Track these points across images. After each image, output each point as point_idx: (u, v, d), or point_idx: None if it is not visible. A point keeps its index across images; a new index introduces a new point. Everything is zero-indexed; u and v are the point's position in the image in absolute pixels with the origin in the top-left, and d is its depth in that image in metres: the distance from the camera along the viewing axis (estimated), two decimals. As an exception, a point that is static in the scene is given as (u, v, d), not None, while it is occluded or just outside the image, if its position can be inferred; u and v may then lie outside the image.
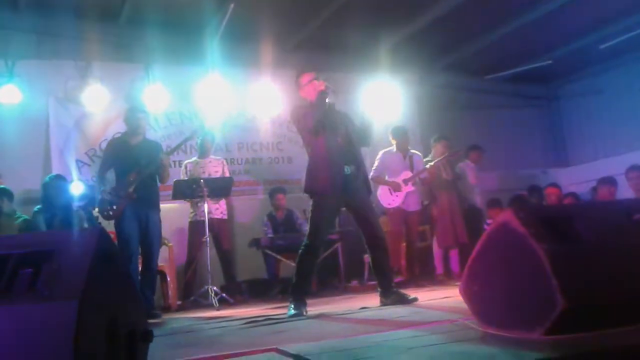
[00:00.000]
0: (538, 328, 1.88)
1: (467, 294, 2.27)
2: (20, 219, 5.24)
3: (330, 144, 3.96)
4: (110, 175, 5.00)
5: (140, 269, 4.90)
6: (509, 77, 9.04)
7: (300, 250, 3.91)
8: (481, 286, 2.21)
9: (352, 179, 3.95)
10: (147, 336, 1.95)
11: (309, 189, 4.02)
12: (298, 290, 3.85)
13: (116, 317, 1.80)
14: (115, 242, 4.65)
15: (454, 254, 6.46)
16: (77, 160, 6.57)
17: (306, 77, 4.12)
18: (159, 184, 5.06)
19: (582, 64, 8.80)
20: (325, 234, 4.20)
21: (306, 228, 6.47)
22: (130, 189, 4.73)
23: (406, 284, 6.06)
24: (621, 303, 1.94)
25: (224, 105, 6.93)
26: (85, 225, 5.24)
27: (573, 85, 9.56)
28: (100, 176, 4.98)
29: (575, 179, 8.64)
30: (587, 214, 2.24)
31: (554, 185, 7.36)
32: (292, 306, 3.74)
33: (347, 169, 3.93)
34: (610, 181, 6.39)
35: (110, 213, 4.75)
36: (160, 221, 4.95)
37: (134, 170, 4.77)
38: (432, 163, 6.29)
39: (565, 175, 9.13)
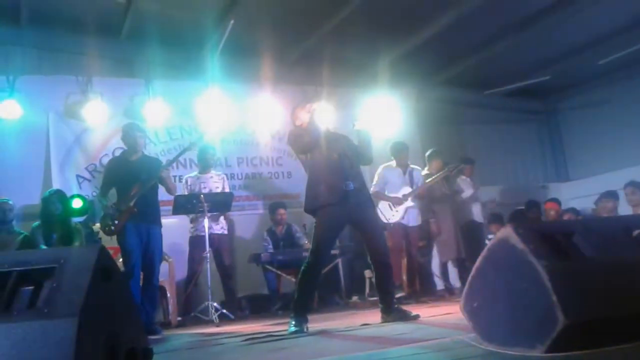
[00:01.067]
0: (539, 345, 1.87)
1: (467, 310, 2.26)
2: (21, 236, 5.24)
3: (329, 161, 3.97)
4: (112, 193, 5.01)
5: (141, 284, 4.89)
6: (508, 92, 9.08)
7: (302, 267, 3.90)
8: (482, 303, 2.20)
9: (355, 193, 3.94)
10: (147, 354, 1.94)
11: (310, 206, 4.00)
12: (299, 307, 3.83)
13: (116, 334, 1.80)
14: (116, 258, 4.64)
15: (452, 270, 6.44)
16: (78, 176, 6.58)
17: (298, 110, 4.23)
18: (159, 199, 5.07)
19: (580, 79, 8.84)
20: (328, 252, 4.16)
21: (305, 242, 6.51)
22: (131, 203, 4.74)
23: (407, 299, 6.04)
24: (622, 319, 1.94)
25: (224, 120, 6.96)
26: (84, 240, 5.24)
27: (571, 100, 9.60)
28: (103, 194, 4.99)
29: (576, 194, 8.63)
30: (587, 230, 2.24)
31: (553, 200, 7.36)
32: (293, 322, 3.72)
33: (350, 184, 3.92)
34: (612, 195, 6.39)
35: (112, 228, 4.75)
36: (161, 236, 4.95)
37: (134, 185, 4.78)
38: (431, 178, 6.30)
39: (565, 190, 9.14)
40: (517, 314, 2.01)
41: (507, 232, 2.09)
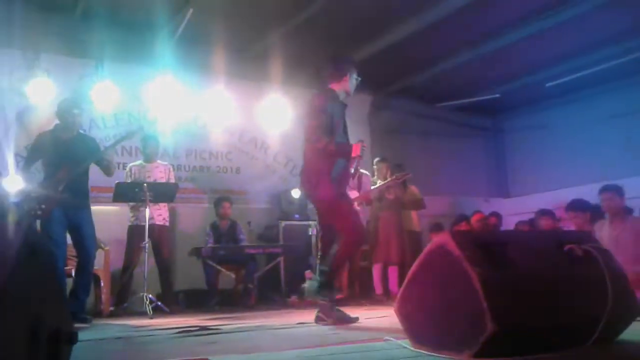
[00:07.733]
0: (467, 350, 1.91)
1: (401, 313, 2.29)
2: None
3: None
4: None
5: (74, 271, 4.71)
6: (459, 106, 9.31)
7: None
8: (415, 306, 2.24)
9: None
10: (72, 338, 1.86)
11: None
12: None
13: (39, 317, 1.72)
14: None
15: (392, 275, 6.51)
16: (16, 155, 6.28)
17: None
18: (98, 185, 4.88)
19: (528, 100, 9.16)
20: None
21: (246, 243, 6.44)
22: (60, 188, 4.46)
23: (346, 301, 6.07)
24: (549, 329, 2.00)
25: (175, 109, 6.82)
26: (19, 222, 4.98)
27: (518, 120, 9.95)
28: (25, 171, 4.73)
29: (515, 210, 8.95)
30: (521, 242, 2.31)
31: (479, 212, 7.88)
32: None
33: None
34: (549, 214, 6.66)
35: (39, 212, 4.37)
36: (92, 220, 4.71)
37: (63, 167, 4.50)
38: (376, 186, 6.38)
39: (506, 206, 9.46)
40: (449, 319, 2.05)
41: (444, 238, 2.12)
